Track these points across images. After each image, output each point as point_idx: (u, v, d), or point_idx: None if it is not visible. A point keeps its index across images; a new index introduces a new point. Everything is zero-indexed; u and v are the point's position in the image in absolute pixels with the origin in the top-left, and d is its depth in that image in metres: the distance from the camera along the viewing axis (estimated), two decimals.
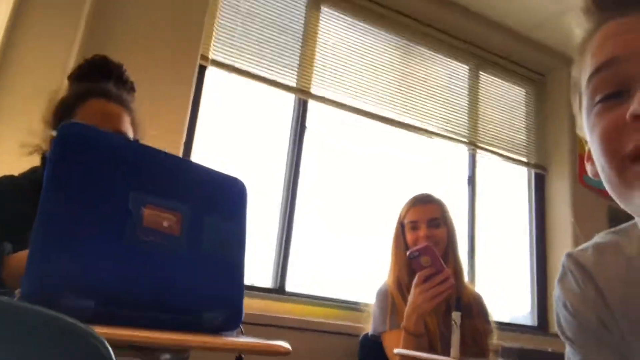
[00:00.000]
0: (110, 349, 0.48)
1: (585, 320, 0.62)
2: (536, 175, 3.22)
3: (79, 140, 0.72)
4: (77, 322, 0.46)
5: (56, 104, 1.14)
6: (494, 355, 1.61)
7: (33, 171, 1.15)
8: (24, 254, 0.84)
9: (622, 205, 0.53)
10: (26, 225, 0.71)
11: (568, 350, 0.65)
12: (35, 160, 1.15)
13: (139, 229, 0.72)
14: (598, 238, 0.67)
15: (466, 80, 3.07)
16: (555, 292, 0.67)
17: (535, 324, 2.96)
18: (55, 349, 0.47)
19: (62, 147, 0.70)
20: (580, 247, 0.66)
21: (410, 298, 1.54)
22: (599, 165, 0.53)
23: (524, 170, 3.22)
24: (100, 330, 0.49)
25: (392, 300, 1.70)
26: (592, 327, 0.62)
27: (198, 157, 2.18)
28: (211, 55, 2.26)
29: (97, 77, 1.24)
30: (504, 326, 2.30)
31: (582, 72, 0.56)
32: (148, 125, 1.23)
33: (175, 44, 2.09)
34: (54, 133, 1.08)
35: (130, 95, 1.27)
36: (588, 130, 0.55)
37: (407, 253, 1.56)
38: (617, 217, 0.58)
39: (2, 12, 1.70)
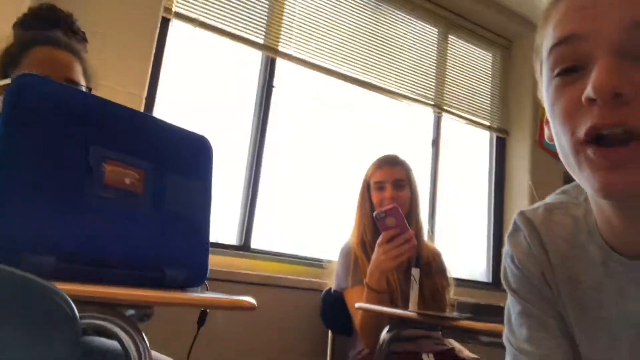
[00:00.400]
0: (72, 304, 0.48)
1: (529, 274, 0.66)
2: (498, 138, 3.30)
3: (34, 92, 0.69)
4: (37, 278, 0.46)
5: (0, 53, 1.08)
6: (450, 310, 1.70)
7: None
8: None
9: (572, 175, 0.56)
10: None
11: (510, 301, 0.70)
12: None
13: (100, 185, 0.71)
14: (549, 198, 0.70)
15: (435, 43, 3.06)
16: (505, 246, 0.71)
17: (490, 280, 3.11)
18: (16, 305, 0.47)
19: (16, 100, 0.67)
20: (533, 206, 0.70)
21: (373, 256, 1.59)
22: (557, 140, 0.56)
23: (486, 133, 3.29)
24: (62, 286, 0.49)
25: (355, 257, 1.74)
26: (535, 281, 0.66)
27: (160, 113, 2.12)
28: (175, 8, 2.16)
29: (44, 26, 1.17)
30: (461, 282, 2.40)
31: (544, 41, 0.57)
32: (105, 77, 1.18)
33: None
34: (1, 83, 1.03)
35: (81, 45, 1.20)
36: (547, 103, 0.56)
37: (374, 213, 1.59)
38: (572, 181, 0.62)
39: None
